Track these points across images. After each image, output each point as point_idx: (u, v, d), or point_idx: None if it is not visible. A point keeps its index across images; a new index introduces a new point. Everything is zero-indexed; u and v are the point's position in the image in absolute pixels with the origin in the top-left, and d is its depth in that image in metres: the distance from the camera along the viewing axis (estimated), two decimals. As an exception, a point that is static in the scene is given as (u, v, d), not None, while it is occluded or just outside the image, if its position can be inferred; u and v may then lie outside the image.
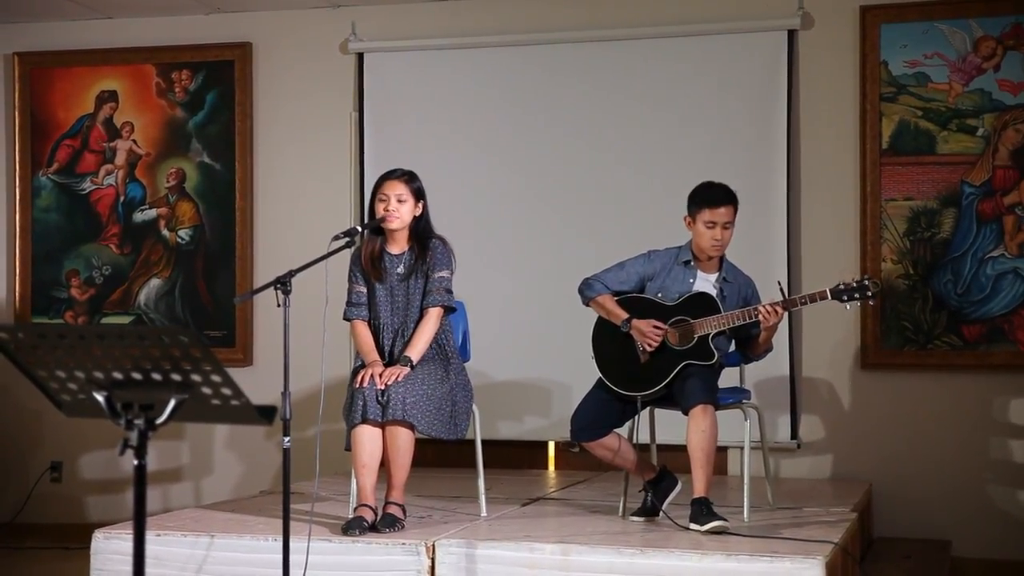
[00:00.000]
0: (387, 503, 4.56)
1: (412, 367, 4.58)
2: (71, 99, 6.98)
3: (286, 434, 3.98)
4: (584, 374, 4.94)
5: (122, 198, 6.90)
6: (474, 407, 4.82)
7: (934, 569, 5.33)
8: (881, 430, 6.03)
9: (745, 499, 4.75)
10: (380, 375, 4.54)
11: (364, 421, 4.52)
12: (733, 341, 4.85)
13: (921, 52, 5.99)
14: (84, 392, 2.58)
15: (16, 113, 7.00)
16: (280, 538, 4.01)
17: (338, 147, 6.68)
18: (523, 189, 6.46)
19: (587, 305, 4.87)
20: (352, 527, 4.41)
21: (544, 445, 6.55)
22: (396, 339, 4.73)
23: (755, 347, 4.79)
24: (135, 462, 2.49)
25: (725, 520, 4.39)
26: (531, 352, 6.35)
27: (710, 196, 4.70)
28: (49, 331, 2.56)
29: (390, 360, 4.69)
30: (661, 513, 4.75)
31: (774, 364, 5.79)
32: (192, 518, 4.90)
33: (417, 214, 4.73)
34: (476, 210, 6.41)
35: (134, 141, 6.90)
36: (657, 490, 4.81)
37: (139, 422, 2.48)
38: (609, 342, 4.79)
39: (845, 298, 4.63)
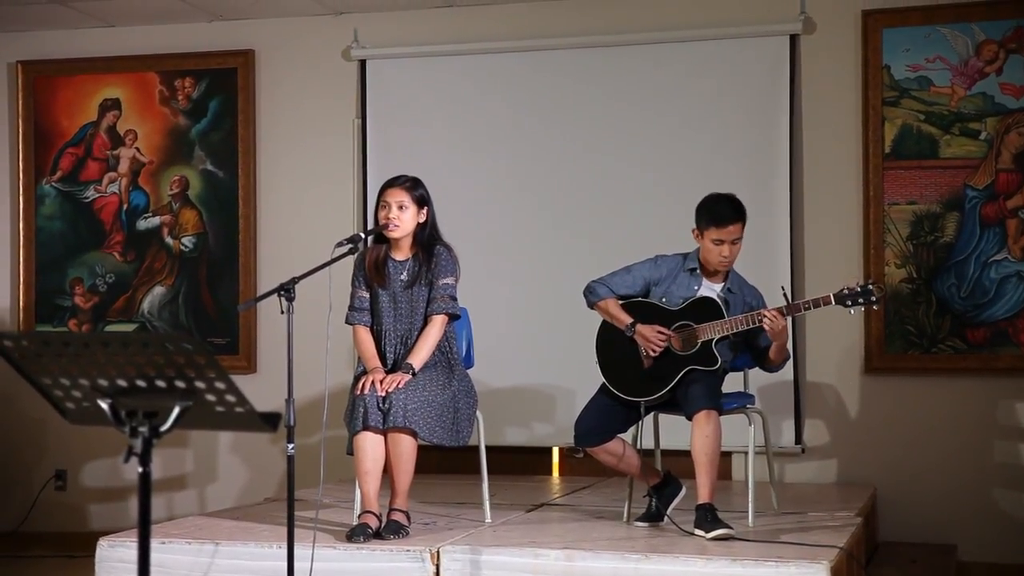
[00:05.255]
0: (391, 510, 4.56)
1: (414, 374, 4.57)
2: (74, 107, 6.99)
3: (290, 441, 3.98)
4: (588, 380, 4.93)
5: (125, 206, 6.91)
6: (478, 413, 4.82)
7: (940, 573, 5.32)
8: (886, 434, 6.02)
9: (750, 504, 4.74)
10: (381, 382, 4.54)
11: (365, 428, 4.51)
12: (747, 354, 4.82)
13: (923, 56, 5.99)
14: (88, 400, 2.58)
15: (20, 121, 7.01)
16: (284, 545, 4.01)
17: (341, 154, 6.69)
18: (526, 195, 6.46)
19: (592, 308, 4.88)
20: (356, 534, 4.41)
21: (548, 451, 6.54)
22: (399, 346, 4.73)
23: (769, 360, 4.77)
24: (139, 469, 2.49)
25: (730, 528, 4.38)
26: (535, 358, 6.35)
27: (716, 214, 4.65)
28: (53, 339, 2.56)
29: (393, 367, 4.68)
30: (665, 518, 4.74)
31: (778, 369, 5.80)
32: (196, 525, 4.90)
33: (421, 221, 4.72)
34: (479, 216, 6.41)
35: (137, 149, 6.91)
36: (661, 495, 4.81)
37: (143, 429, 2.48)
38: (613, 347, 4.78)
39: (849, 303, 4.61)
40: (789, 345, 4.74)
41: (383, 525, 4.50)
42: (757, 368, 4.94)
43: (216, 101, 6.81)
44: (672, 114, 6.29)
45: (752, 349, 4.79)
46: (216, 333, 6.74)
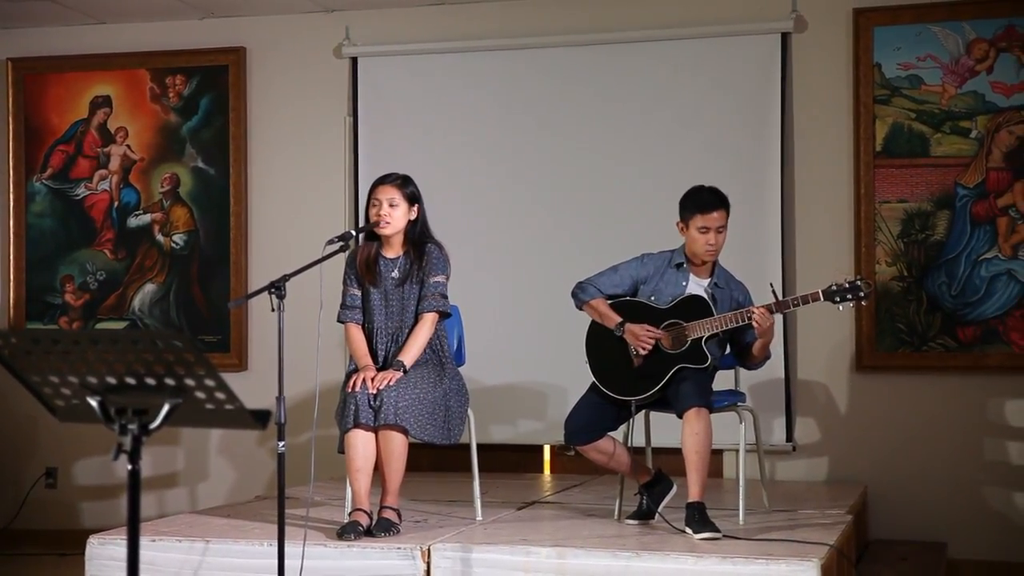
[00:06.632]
0: (382, 507, 4.56)
1: (405, 371, 4.58)
2: (65, 104, 6.97)
3: (281, 439, 3.98)
4: (579, 378, 4.93)
5: (116, 203, 6.90)
6: (469, 411, 4.82)
7: (930, 571, 5.33)
8: (876, 432, 6.03)
9: (740, 502, 4.75)
10: (372, 379, 4.54)
11: (356, 425, 4.52)
12: (729, 350, 4.84)
13: (914, 54, 6.00)
14: (78, 397, 2.57)
15: (10, 119, 7.00)
16: (275, 543, 4.01)
17: (332, 152, 6.68)
18: (517, 193, 6.46)
19: (580, 309, 4.88)
20: (347, 532, 4.41)
21: (539, 449, 6.54)
22: (390, 344, 4.73)
23: (752, 356, 4.78)
24: (129, 467, 2.49)
25: (718, 531, 4.37)
26: (526, 356, 6.35)
27: (701, 201, 4.69)
28: (43, 336, 2.56)
29: (384, 365, 4.68)
30: (656, 516, 4.75)
31: (769, 367, 5.75)
32: (187, 523, 4.90)
33: (412, 218, 4.73)
34: (470, 214, 6.41)
35: (128, 146, 6.90)
36: (652, 493, 4.81)
37: (133, 427, 2.48)
38: (603, 346, 4.79)
39: (837, 299, 4.63)
40: (780, 344, 4.75)
41: (374, 523, 4.50)
42: (751, 369, 4.93)
43: (207, 98, 6.80)
44: (663, 112, 6.30)
45: (736, 344, 4.79)
46: (207, 331, 6.73)
